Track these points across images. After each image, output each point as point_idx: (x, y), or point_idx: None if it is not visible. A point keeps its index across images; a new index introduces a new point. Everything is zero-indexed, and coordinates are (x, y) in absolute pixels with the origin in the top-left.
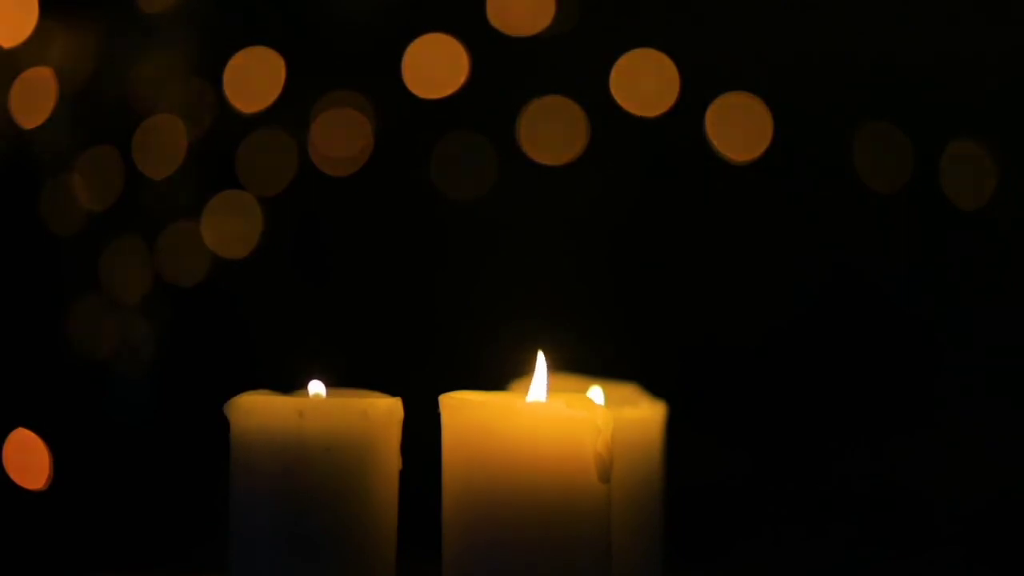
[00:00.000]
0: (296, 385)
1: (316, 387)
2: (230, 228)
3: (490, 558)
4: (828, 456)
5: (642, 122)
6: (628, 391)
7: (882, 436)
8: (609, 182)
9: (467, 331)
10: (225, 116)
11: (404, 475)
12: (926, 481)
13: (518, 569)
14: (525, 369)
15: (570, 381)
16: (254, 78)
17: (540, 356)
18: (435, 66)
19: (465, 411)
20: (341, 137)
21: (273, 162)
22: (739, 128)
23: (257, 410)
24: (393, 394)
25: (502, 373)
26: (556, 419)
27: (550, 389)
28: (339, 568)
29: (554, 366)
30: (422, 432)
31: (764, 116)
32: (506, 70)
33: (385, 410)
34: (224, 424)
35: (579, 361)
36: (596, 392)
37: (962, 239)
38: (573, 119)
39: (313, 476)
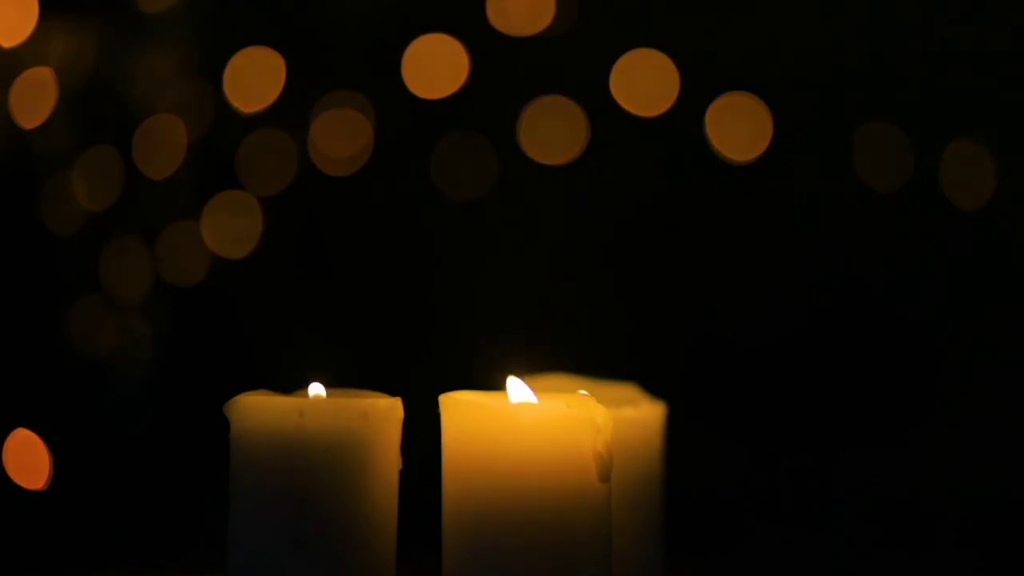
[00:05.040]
0: (296, 385)
1: (316, 389)
2: (230, 228)
3: (490, 558)
4: (828, 456)
5: (642, 122)
6: (628, 391)
7: (882, 436)
8: (609, 182)
9: (467, 331)
10: (225, 116)
11: (404, 475)
12: (926, 481)
13: (518, 569)
14: (523, 372)
15: (569, 381)
16: (254, 78)
17: (513, 380)
18: (435, 66)
19: (465, 411)
20: (341, 137)
21: (273, 162)
22: (739, 128)
23: (257, 410)
24: (393, 394)
25: (502, 373)
26: (556, 419)
27: (543, 391)
28: (339, 568)
29: (545, 369)
30: (422, 432)
31: (764, 116)
32: (506, 70)
33: (385, 410)
34: (224, 424)
35: (579, 361)
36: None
37: (962, 239)
38: (573, 119)
39: (313, 476)
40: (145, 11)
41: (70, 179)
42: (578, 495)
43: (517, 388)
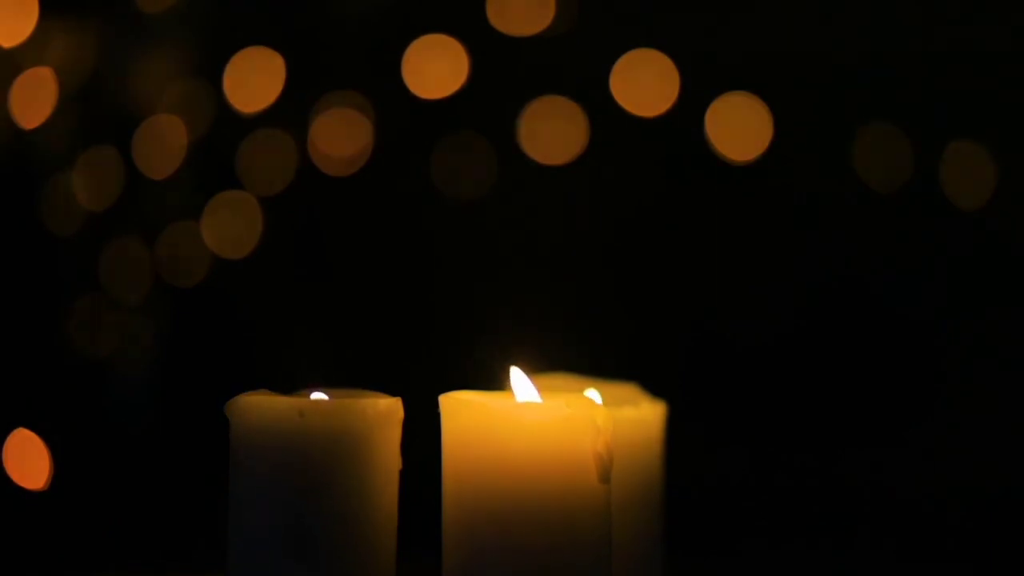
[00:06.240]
0: (296, 385)
1: (317, 395)
2: (230, 228)
3: (490, 558)
4: (828, 456)
5: (642, 122)
6: (628, 391)
7: (882, 436)
8: (609, 182)
9: (467, 331)
10: (225, 116)
11: (404, 475)
12: (926, 481)
13: (518, 569)
14: (524, 371)
15: (570, 381)
16: (254, 78)
17: (515, 371)
18: (435, 66)
19: (465, 411)
20: (341, 137)
21: (273, 162)
22: (739, 128)
23: (257, 410)
24: (393, 394)
25: (502, 373)
26: (556, 419)
27: (544, 390)
28: (339, 568)
29: (545, 369)
30: (422, 432)
31: (764, 116)
32: (506, 70)
33: (385, 410)
34: (224, 424)
35: (579, 361)
36: (593, 393)
37: (962, 239)
38: (573, 119)
39: (313, 476)
40: (145, 11)
41: (70, 179)
42: (578, 495)
43: (519, 380)
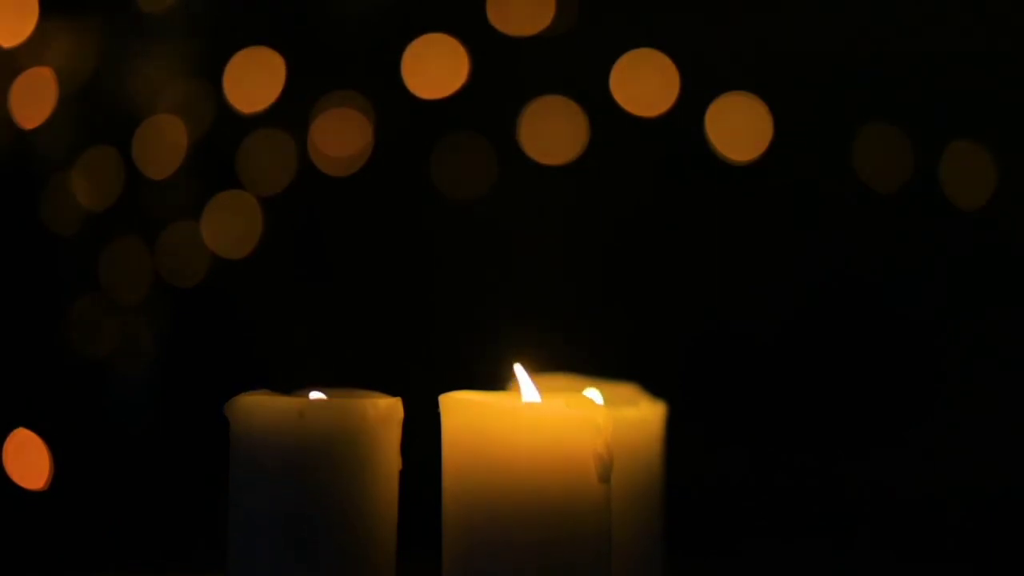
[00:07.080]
0: (296, 385)
1: (316, 395)
2: (230, 228)
3: (490, 558)
4: (828, 456)
5: (642, 122)
6: (628, 391)
7: (882, 436)
8: (609, 182)
9: (467, 331)
10: (225, 116)
11: (404, 475)
12: (926, 481)
13: (518, 569)
14: (526, 370)
15: (570, 381)
16: (254, 78)
17: (519, 368)
18: (435, 66)
19: (465, 411)
20: (341, 137)
21: (273, 162)
22: (739, 128)
23: (257, 410)
24: (393, 394)
25: (501, 373)
26: (556, 419)
27: (544, 390)
28: (339, 568)
29: (546, 369)
30: (422, 432)
31: (764, 116)
32: (506, 70)
33: (385, 410)
34: (224, 424)
35: (579, 361)
36: (594, 393)
37: (962, 239)
38: (573, 119)
39: (313, 476)
40: (145, 11)
41: (70, 179)
42: (578, 495)
43: (523, 378)
